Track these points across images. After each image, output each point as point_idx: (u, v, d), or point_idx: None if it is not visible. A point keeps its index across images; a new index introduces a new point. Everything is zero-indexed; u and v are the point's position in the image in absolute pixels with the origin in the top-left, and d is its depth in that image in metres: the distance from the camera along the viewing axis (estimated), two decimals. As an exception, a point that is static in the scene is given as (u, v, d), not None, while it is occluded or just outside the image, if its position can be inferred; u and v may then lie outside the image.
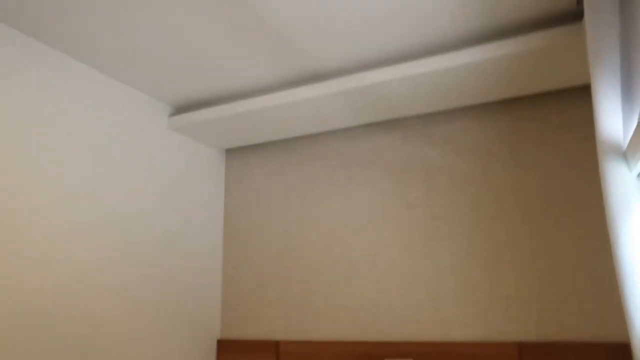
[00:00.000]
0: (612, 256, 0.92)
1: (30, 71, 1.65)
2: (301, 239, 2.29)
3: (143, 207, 2.05)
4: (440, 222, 2.01)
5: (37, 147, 1.65)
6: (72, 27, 1.60)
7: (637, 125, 0.86)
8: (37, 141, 1.65)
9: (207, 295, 2.35)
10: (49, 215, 1.66)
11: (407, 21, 1.59)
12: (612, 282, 1.72)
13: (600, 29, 1.12)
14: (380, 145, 2.21)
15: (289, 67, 1.89)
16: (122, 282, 1.90)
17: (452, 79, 1.77)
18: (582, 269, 1.76)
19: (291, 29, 1.62)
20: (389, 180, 2.15)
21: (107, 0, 1.45)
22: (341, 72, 1.93)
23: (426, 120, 2.14)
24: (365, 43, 1.72)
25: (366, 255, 2.13)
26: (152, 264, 2.04)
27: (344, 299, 2.13)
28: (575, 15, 1.55)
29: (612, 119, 1.00)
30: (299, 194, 2.35)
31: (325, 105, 2.00)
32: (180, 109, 2.30)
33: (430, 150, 2.10)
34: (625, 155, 0.96)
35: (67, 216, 1.72)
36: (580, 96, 1.88)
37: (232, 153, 2.61)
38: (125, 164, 1.99)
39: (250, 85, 2.05)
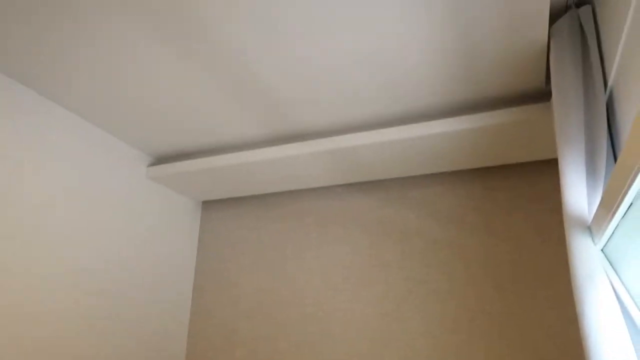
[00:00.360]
0: (579, 327, 0.94)
1: (12, 114, 1.66)
2: (273, 295, 2.26)
3: (115, 252, 2.00)
4: (413, 284, 2.02)
5: (13, 190, 1.63)
6: (56, 74, 1.63)
7: (601, 201, 0.91)
8: (13, 184, 1.63)
9: (172, 348, 2.27)
10: (21, 258, 1.61)
11: (389, 91, 1.66)
12: (580, 352, 1.73)
13: (566, 108, 1.20)
14: (358, 205, 2.24)
15: (272, 126, 1.93)
16: (87, 326, 1.82)
17: (429, 146, 1.84)
18: (551, 338, 1.77)
19: (277, 90, 1.68)
20: (365, 240, 2.17)
21: (93, 51, 1.49)
22: (323, 133, 1.98)
23: (403, 184, 2.19)
24: (348, 108, 1.78)
25: (338, 315, 2.10)
26: (117, 311, 1.97)
27: (315, 359, 2.08)
28: (544, 95, 1.65)
29: (577, 194, 1.05)
30: (274, 250, 2.34)
31: (305, 164, 2.03)
32: (160, 159, 2.31)
33: (406, 213, 2.13)
34: (590, 229, 1.00)
35: (38, 259, 1.67)
36: (550, 169, 1.96)
37: (209, 205, 2.61)
38: (101, 210, 1.96)
39: (232, 141, 2.08)
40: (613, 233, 0.91)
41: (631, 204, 0.79)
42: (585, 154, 1.12)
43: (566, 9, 1.36)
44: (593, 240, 0.98)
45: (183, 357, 2.33)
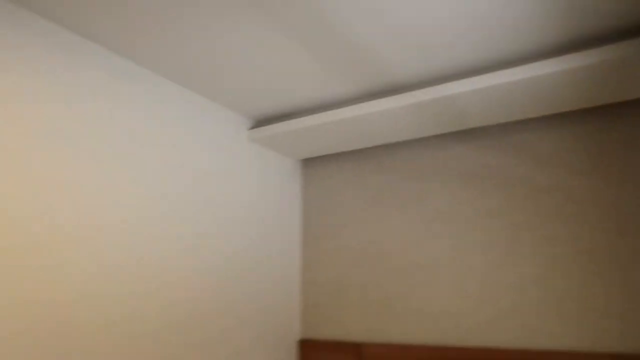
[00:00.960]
0: None
1: (112, 84, 1.79)
2: (378, 245, 2.37)
3: (223, 217, 2.18)
4: (522, 231, 2.03)
5: (118, 160, 1.80)
6: (152, 41, 1.73)
7: None
8: (116, 154, 1.80)
9: (287, 299, 2.48)
10: (131, 226, 1.82)
11: (484, 33, 1.62)
12: None
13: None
14: (456, 154, 2.24)
15: (365, 81, 1.96)
16: (202, 290, 2.04)
17: (530, 90, 1.78)
18: (671, 278, 1.74)
19: (367, 43, 1.69)
20: (466, 190, 2.19)
21: (188, 16, 1.56)
22: (417, 84, 1.98)
23: (503, 130, 2.15)
24: (442, 55, 1.76)
25: (445, 263, 2.17)
26: (232, 273, 2.18)
27: (424, 304, 2.19)
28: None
29: None
30: (375, 202, 2.43)
31: (400, 116, 2.05)
32: (260, 121, 2.43)
33: (508, 160, 2.11)
34: None
35: (149, 226, 1.88)
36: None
37: (309, 163, 2.72)
38: (206, 176, 2.13)
39: (327, 99, 2.14)
40: None
41: None
42: None
43: None
44: None
45: (299, 307, 2.54)
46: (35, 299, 1.38)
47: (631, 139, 1.89)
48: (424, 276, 2.21)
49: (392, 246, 2.33)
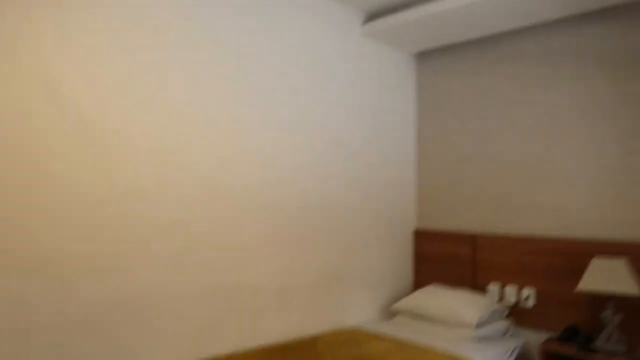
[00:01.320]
0: None
1: None
2: (497, 138, 2.29)
3: (340, 114, 2.24)
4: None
5: (238, 63, 1.87)
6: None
7: None
8: (233, 59, 1.88)
9: (403, 194, 2.56)
10: (260, 123, 1.96)
11: None
12: None
13: None
14: (593, 37, 2.01)
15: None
16: (327, 186, 2.19)
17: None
18: None
19: None
20: (604, 75, 1.98)
21: None
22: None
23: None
24: None
25: (572, 155, 2.05)
26: (351, 168, 2.28)
27: (546, 197, 2.12)
28: None
29: None
30: (496, 94, 2.31)
31: (528, -3, 1.87)
32: (372, 15, 2.36)
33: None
34: None
35: (272, 122, 2.01)
36: None
37: (424, 56, 2.62)
38: (321, 73, 2.17)
39: (445, -16, 2.00)
40: None
41: None
42: None
43: None
44: None
45: (414, 199, 2.61)
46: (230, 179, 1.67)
47: None
48: (547, 170, 2.12)
49: (512, 139, 2.24)
